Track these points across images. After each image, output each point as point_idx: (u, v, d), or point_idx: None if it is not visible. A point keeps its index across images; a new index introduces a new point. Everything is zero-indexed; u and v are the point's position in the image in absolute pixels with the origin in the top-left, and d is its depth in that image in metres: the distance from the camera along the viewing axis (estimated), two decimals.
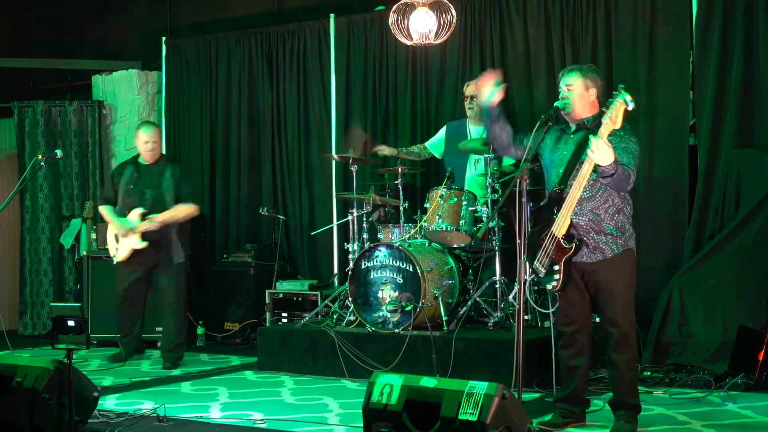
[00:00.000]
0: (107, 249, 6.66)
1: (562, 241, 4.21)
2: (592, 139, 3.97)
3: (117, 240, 6.47)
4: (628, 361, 4.28)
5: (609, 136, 4.07)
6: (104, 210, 6.58)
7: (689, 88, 6.23)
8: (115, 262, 6.53)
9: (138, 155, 6.63)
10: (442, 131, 6.76)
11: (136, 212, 6.36)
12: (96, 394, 4.57)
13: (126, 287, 6.55)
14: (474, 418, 3.47)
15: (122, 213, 6.44)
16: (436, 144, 6.78)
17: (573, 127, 4.40)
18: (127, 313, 6.62)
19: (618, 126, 4.00)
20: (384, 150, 6.86)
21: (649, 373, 5.54)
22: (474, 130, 6.52)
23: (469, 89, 6.51)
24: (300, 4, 8.13)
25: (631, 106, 3.96)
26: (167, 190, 6.43)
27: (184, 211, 6.43)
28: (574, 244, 4.20)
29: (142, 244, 6.35)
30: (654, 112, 6.27)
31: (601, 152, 3.96)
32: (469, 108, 6.52)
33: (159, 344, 6.70)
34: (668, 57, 6.26)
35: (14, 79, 9.13)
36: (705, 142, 6.08)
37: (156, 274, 6.54)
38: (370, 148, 7.01)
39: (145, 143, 6.54)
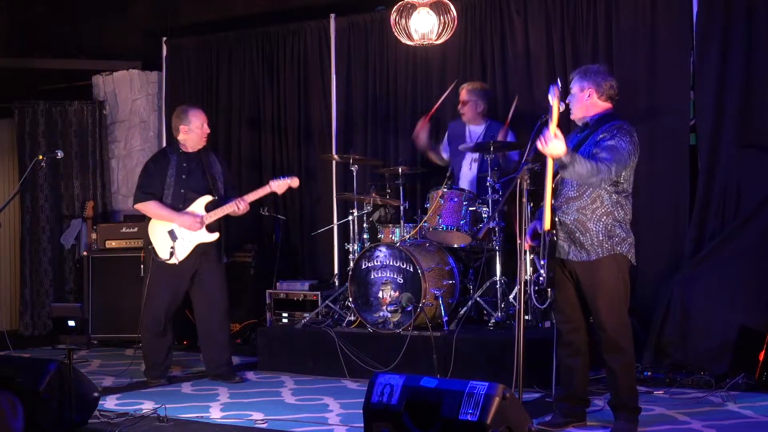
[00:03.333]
0: (154, 250, 5.81)
1: (545, 234, 4.23)
2: (544, 133, 4.03)
3: (172, 238, 5.77)
4: (622, 364, 4.27)
5: (603, 132, 4.18)
6: (155, 206, 5.77)
7: (690, 87, 6.23)
8: (177, 263, 5.75)
9: (174, 145, 5.97)
10: (447, 132, 6.76)
11: (203, 201, 5.80)
12: (96, 394, 4.58)
13: (170, 299, 5.82)
14: (474, 419, 3.48)
15: (176, 206, 5.78)
16: (445, 146, 6.77)
17: (580, 127, 4.43)
18: (164, 331, 5.85)
19: (554, 122, 4.06)
20: (423, 138, 6.64)
21: (649, 373, 5.54)
22: (472, 130, 6.51)
23: (461, 93, 6.50)
24: (300, 4, 8.13)
25: (560, 105, 4.13)
26: (219, 177, 5.92)
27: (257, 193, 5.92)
28: (549, 239, 4.21)
29: (214, 236, 5.78)
30: (654, 112, 6.27)
31: (548, 145, 4.00)
32: (462, 113, 6.51)
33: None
34: (668, 57, 6.26)
35: (14, 79, 9.12)
36: (706, 142, 6.08)
37: (199, 276, 5.88)
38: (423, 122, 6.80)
39: (201, 126, 5.87)
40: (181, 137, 5.93)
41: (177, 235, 5.78)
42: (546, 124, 4.34)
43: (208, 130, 5.98)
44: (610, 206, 4.26)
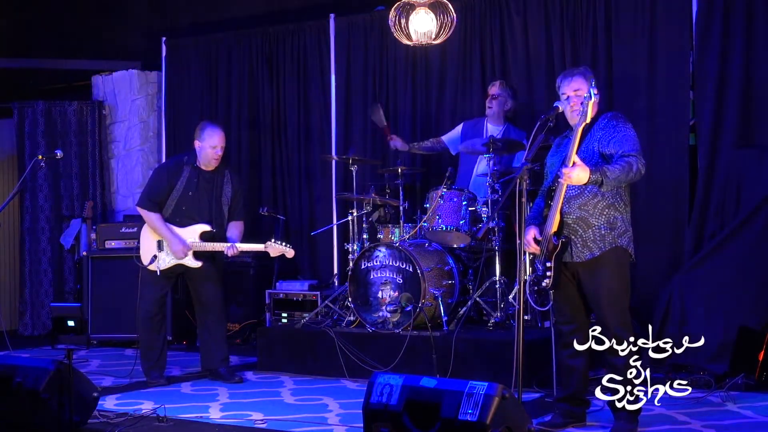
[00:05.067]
0: (138, 252, 5.96)
1: (552, 238, 4.24)
2: (562, 170, 4.10)
3: (158, 248, 5.81)
4: (625, 362, 4.27)
5: (602, 129, 4.25)
6: (156, 218, 5.80)
7: (689, 87, 6.23)
8: (157, 272, 5.80)
9: (192, 156, 5.89)
10: (459, 128, 6.73)
11: (199, 229, 5.80)
12: (96, 394, 4.58)
13: (159, 297, 5.92)
14: (474, 419, 3.48)
15: (173, 221, 5.82)
16: (452, 140, 6.76)
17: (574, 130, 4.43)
18: (158, 327, 5.94)
19: (588, 120, 4.12)
20: (397, 143, 6.82)
21: (648, 373, 5.53)
22: (491, 129, 6.52)
23: (493, 88, 6.52)
24: (300, 4, 8.13)
25: (595, 99, 4.13)
26: (226, 204, 5.91)
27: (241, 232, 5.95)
28: (560, 242, 4.23)
29: (197, 264, 5.80)
30: (654, 112, 6.27)
31: (573, 177, 4.07)
32: (489, 107, 6.52)
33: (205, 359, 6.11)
34: (668, 57, 6.26)
35: (14, 79, 9.13)
36: (705, 142, 6.08)
37: (194, 278, 5.94)
38: (388, 132, 6.93)
39: (213, 148, 5.78)
40: (196, 151, 5.89)
41: (164, 247, 5.83)
42: (546, 124, 4.35)
43: (221, 153, 5.84)
44: (611, 198, 4.29)
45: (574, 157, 4.09)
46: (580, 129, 4.14)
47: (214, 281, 5.96)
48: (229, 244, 5.77)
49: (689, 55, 6.20)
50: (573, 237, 4.29)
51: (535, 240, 4.35)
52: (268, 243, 5.79)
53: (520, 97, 6.81)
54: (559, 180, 4.21)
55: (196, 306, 6.08)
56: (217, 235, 5.86)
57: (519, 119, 6.75)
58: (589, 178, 4.08)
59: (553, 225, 4.25)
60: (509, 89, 6.56)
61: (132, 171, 8.71)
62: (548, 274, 4.28)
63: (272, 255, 5.90)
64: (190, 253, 5.79)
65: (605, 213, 4.28)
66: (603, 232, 4.26)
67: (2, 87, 9.02)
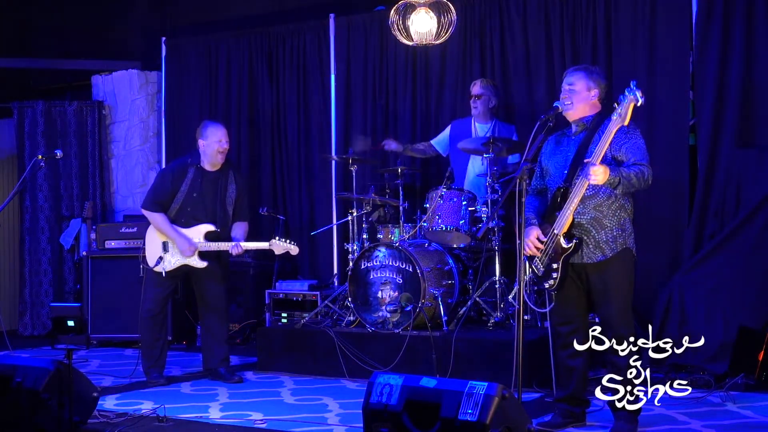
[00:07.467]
0: (144, 255, 5.98)
1: (562, 239, 4.23)
2: (590, 167, 4.10)
3: (164, 249, 5.83)
4: (626, 362, 4.27)
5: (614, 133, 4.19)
6: (160, 218, 5.82)
7: (689, 87, 6.23)
8: (163, 273, 5.81)
9: (195, 157, 5.92)
10: (447, 129, 6.76)
11: (204, 229, 5.82)
12: (96, 394, 4.58)
13: (162, 297, 5.91)
14: (474, 419, 3.48)
15: (178, 222, 5.84)
16: (440, 141, 6.79)
17: (573, 128, 4.43)
18: (159, 326, 5.93)
19: (626, 122, 4.11)
20: (392, 145, 6.85)
21: (648, 373, 5.53)
22: (479, 128, 6.53)
23: (475, 88, 6.52)
24: (300, 4, 8.13)
25: (640, 102, 4.08)
26: (230, 204, 5.93)
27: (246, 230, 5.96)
28: (573, 243, 4.22)
29: (202, 264, 5.81)
30: (654, 112, 6.27)
31: (598, 177, 4.10)
32: (474, 107, 6.53)
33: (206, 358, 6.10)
34: (668, 57, 6.26)
35: (14, 79, 9.13)
36: (705, 142, 6.08)
37: (199, 278, 5.94)
38: (377, 146, 6.97)
39: (219, 141, 5.82)
40: (200, 151, 5.91)
41: (169, 249, 5.84)
42: (546, 124, 4.35)
43: (226, 146, 5.88)
44: (622, 200, 4.32)
45: (598, 158, 4.12)
46: (615, 129, 4.13)
47: (218, 281, 5.97)
48: (233, 243, 5.78)
49: (689, 55, 6.20)
50: (585, 237, 4.28)
51: (539, 240, 4.33)
52: (273, 241, 5.82)
53: (520, 96, 6.82)
54: (584, 178, 4.17)
55: (200, 305, 6.08)
56: (222, 234, 5.87)
57: (519, 119, 6.76)
58: (609, 178, 4.10)
59: (564, 225, 4.24)
60: (491, 86, 6.57)
61: (132, 171, 8.71)
62: (554, 275, 4.28)
63: (277, 253, 5.92)
64: (196, 253, 5.80)
65: (617, 214, 4.30)
66: (615, 233, 4.28)
67: (2, 87, 9.02)
